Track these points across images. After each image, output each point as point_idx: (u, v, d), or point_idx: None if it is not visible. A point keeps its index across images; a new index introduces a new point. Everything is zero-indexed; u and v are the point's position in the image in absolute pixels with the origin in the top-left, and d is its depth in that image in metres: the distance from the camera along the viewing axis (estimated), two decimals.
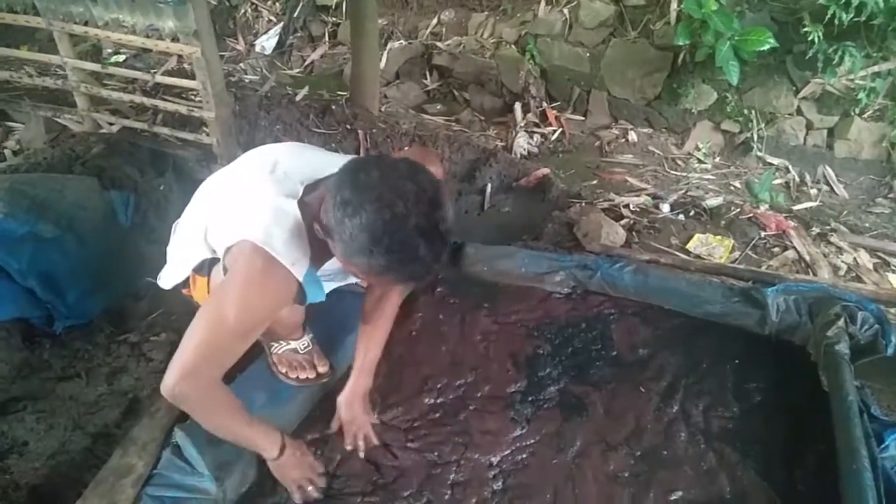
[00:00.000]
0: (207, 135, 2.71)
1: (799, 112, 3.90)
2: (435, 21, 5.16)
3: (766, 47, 3.39)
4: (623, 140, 4.26)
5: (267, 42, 5.55)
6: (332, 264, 1.46)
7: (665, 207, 2.88)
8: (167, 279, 1.63)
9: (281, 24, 5.60)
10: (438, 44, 5.01)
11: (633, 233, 2.61)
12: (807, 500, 1.53)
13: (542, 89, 4.60)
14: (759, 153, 3.99)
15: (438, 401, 1.82)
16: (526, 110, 4.50)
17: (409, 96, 4.79)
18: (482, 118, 4.60)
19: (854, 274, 2.52)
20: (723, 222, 2.73)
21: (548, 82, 4.68)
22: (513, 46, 4.73)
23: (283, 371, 1.78)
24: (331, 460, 1.67)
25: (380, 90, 4.17)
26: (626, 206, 2.87)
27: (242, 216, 1.33)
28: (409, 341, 1.98)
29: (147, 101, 2.78)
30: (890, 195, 3.70)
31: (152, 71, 2.80)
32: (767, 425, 1.70)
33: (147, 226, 2.45)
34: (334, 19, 5.57)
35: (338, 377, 1.83)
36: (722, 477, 1.59)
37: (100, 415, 1.81)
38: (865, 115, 3.74)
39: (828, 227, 2.81)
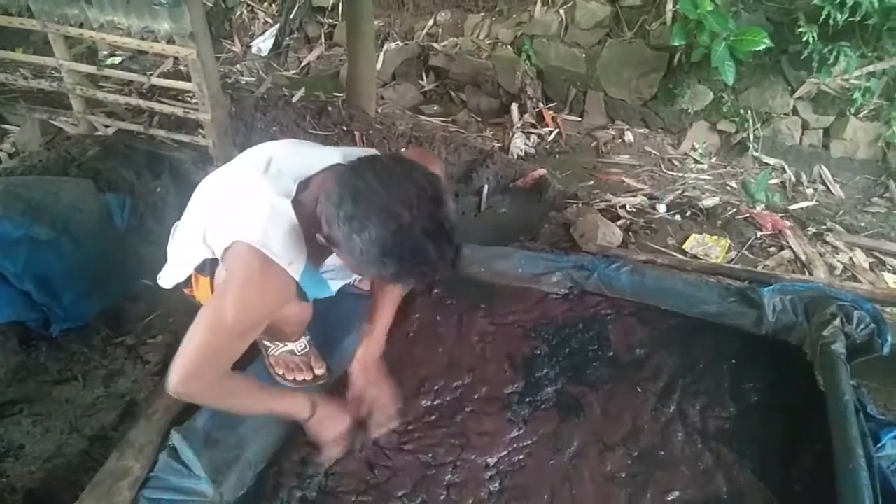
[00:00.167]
0: (204, 137, 2.71)
1: (795, 112, 3.91)
2: (431, 22, 5.15)
3: (762, 47, 3.40)
4: (619, 140, 4.27)
5: (263, 43, 5.54)
6: (334, 260, 1.47)
7: (661, 208, 2.88)
8: (168, 279, 1.63)
9: (277, 25, 5.59)
10: (435, 45, 5.00)
11: (630, 233, 2.61)
12: (803, 499, 1.53)
13: (538, 90, 4.60)
14: (755, 153, 3.99)
15: (435, 402, 1.81)
16: (522, 111, 4.49)
17: (406, 97, 4.79)
18: (479, 119, 4.61)
19: (850, 273, 2.53)
20: (719, 222, 2.74)
21: (544, 83, 4.68)
22: (509, 47, 4.73)
23: (280, 373, 1.78)
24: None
25: (376, 91, 4.17)
26: (623, 206, 2.87)
27: (238, 217, 1.33)
28: (405, 342, 1.98)
29: (143, 103, 2.77)
30: (886, 195, 3.71)
31: (148, 73, 2.79)
32: (764, 425, 1.71)
33: (143, 228, 2.44)
34: (330, 20, 5.56)
35: (335, 379, 1.83)
36: (719, 477, 1.59)
37: (96, 417, 1.80)
38: (861, 115, 3.75)
39: (824, 227, 2.82)
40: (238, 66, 5.19)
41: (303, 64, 5.42)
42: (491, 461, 1.66)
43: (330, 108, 3.52)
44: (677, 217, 2.81)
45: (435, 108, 4.78)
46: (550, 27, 4.50)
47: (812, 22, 3.40)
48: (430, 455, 1.67)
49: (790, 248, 2.56)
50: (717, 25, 3.39)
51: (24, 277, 1.90)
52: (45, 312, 1.95)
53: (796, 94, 3.82)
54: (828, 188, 3.80)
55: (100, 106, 2.96)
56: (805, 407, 1.71)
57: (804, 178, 3.88)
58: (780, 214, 2.91)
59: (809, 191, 3.77)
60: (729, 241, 2.56)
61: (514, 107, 4.49)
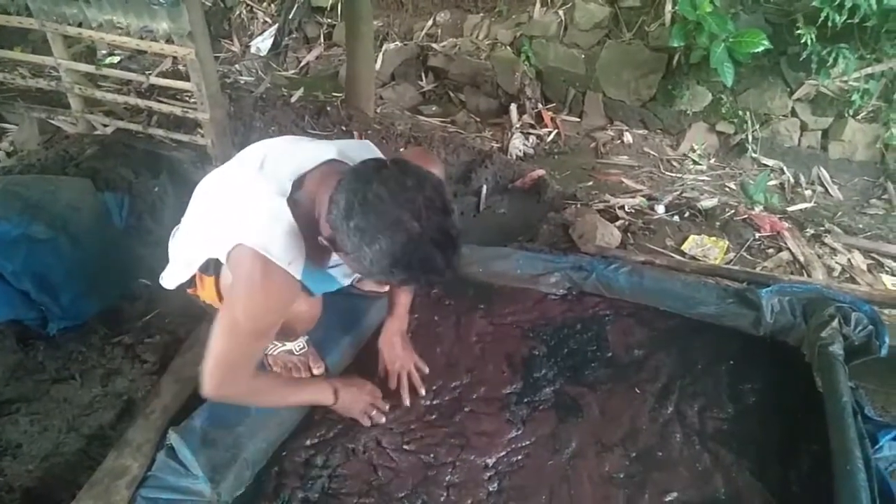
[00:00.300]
0: (202, 136, 2.70)
1: (793, 113, 3.92)
2: (430, 22, 5.16)
3: (761, 49, 3.41)
4: (618, 141, 4.28)
5: (262, 43, 5.54)
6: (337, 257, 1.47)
7: (660, 209, 2.88)
8: (170, 279, 1.64)
9: (276, 25, 5.59)
10: (434, 45, 5.01)
11: (629, 234, 2.61)
12: (801, 500, 1.53)
13: (537, 91, 4.60)
14: (753, 154, 4.00)
15: (434, 402, 1.82)
16: (521, 112, 4.50)
17: (405, 98, 4.80)
18: (478, 119, 4.61)
19: (848, 275, 2.53)
20: (717, 223, 2.74)
21: (543, 84, 4.69)
22: (508, 48, 4.74)
23: (278, 372, 1.77)
24: (329, 462, 1.67)
25: (375, 92, 4.17)
26: (622, 207, 2.87)
27: (237, 219, 1.34)
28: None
29: (141, 102, 2.77)
30: (884, 196, 3.72)
31: (147, 72, 2.79)
32: (762, 426, 1.71)
33: (141, 227, 2.44)
34: (329, 21, 5.57)
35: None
36: (717, 478, 1.59)
37: (94, 416, 1.80)
38: (859, 117, 3.76)
39: (822, 229, 2.82)
40: (237, 65, 5.19)
41: (301, 64, 5.42)
42: (490, 461, 1.66)
43: (329, 109, 3.52)
44: (676, 218, 2.81)
45: (434, 108, 4.79)
46: (549, 28, 4.51)
47: (811, 24, 3.41)
48: (432, 455, 1.68)
49: (788, 249, 2.56)
50: (716, 27, 3.40)
51: (22, 276, 1.89)
52: (43, 311, 1.94)
53: (795, 96, 3.83)
54: (826, 190, 3.81)
55: (98, 105, 2.96)
56: (803, 408, 1.71)
57: (802, 179, 3.89)
58: (779, 216, 2.91)
59: (808, 192, 3.78)
60: (727, 243, 2.57)
61: (513, 107, 4.50)
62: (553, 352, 1.95)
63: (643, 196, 3.08)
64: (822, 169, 3.89)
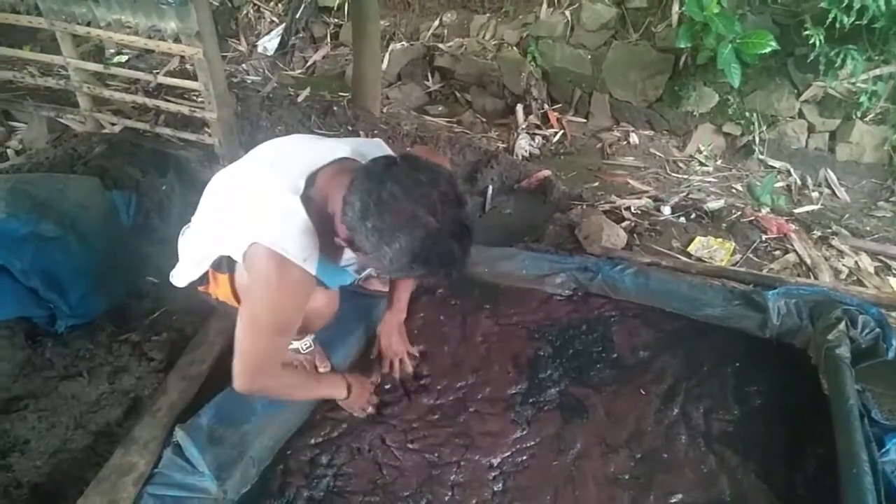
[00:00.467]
0: (209, 135, 2.72)
1: (800, 115, 3.90)
2: (437, 23, 5.16)
3: (768, 50, 3.40)
4: (624, 142, 4.27)
5: (269, 43, 5.55)
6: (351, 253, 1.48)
7: (666, 210, 2.88)
8: (181, 278, 1.64)
9: (283, 25, 5.60)
10: (440, 45, 5.01)
11: (634, 235, 2.61)
12: (807, 503, 1.53)
13: (543, 91, 4.60)
14: (760, 156, 3.99)
15: (439, 402, 1.82)
16: (527, 112, 4.50)
17: (411, 98, 4.80)
18: (484, 120, 4.61)
19: (855, 277, 2.52)
20: (724, 225, 2.73)
21: (549, 84, 4.69)
22: (514, 48, 4.74)
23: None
24: (334, 460, 1.67)
25: (381, 91, 4.17)
26: (628, 208, 2.86)
27: (251, 218, 1.35)
28: (409, 341, 1.98)
29: (149, 101, 2.78)
30: (892, 199, 3.70)
31: (154, 72, 2.80)
32: (768, 428, 1.71)
33: (149, 226, 2.45)
34: (336, 20, 5.57)
35: None
36: (722, 480, 1.59)
37: (101, 413, 1.81)
38: (867, 119, 3.74)
39: (829, 231, 2.81)
40: (244, 65, 5.20)
41: (308, 63, 5.43)
42: (494, 461, 1.66)
43: (335, 108, 3.52)
44: (682, 219, 2.80)
45: (440, 108, 4.79)
46: (556, 28, 4.50)
47: (818, 25, 3.40)
48: (437, 455, 1.68)
49: (795, 251, 2.56)
50: (723, 28, 3.39)
51: (30, 274, 1.90)
52: (52, 309, 1.95)
53: (802, 97, 3.81)
54: (833, 192, 3.80)
55: (106, 104, 2.98)
56: (809, 410, 1.71)
57: (810, 181, 3.87)
58: (786, 218, 2.91)
59: (815, 194, 3.76)
60: (734, 244, 2.56)
61: (520, 108, 4.50)
62: (558, 352, 1.95)
63: (649, 197, 3.08)
64: (829, 171, 3.87)
